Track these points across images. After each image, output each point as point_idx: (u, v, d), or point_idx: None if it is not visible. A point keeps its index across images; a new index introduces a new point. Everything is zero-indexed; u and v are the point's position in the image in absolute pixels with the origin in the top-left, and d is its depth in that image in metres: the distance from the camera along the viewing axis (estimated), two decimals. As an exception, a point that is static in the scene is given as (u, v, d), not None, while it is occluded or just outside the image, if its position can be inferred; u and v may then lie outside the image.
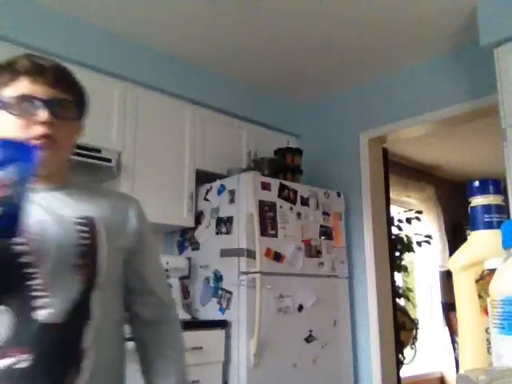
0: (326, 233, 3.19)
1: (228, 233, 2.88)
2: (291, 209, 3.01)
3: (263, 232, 2.82)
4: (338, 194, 3.35)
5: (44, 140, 0.92)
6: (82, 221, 0.97)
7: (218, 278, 2.88)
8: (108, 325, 0.99)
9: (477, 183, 0.67)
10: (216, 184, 3.05)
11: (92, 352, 0.92)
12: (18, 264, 0.88)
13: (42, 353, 0.86)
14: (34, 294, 0.88)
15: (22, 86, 0.93)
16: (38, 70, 0.95)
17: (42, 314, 0.87)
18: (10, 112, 0.93)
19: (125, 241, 1.07)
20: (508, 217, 0.66)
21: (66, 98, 0.97)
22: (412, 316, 4.50)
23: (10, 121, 0.93)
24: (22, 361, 0.83)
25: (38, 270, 0.89)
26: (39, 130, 0.92)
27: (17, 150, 0.75)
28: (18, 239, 0.86)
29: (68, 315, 0.90)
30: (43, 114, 0.92)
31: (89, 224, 0.98)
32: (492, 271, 0.57)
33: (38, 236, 0.91)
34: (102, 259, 0.97)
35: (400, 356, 3.60)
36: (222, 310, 2.81)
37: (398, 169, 4.63)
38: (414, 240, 4.64)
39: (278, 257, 2.86)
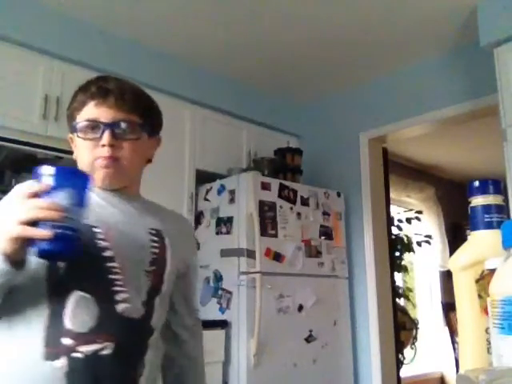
0: (326, 233, 3.19)
1: (228, 233, 2.88)
2: (291, 209, 3.01)
3: (263, 232, 2.81)
4: (338, 194, 3.35)
5: (107, 161, 0.99)
6: (153, 231, 1.05)
7: (218, 278, 2.88)
8: (158, 333, 1.05)
9: (477, 183, 0.67)
10: (216, 184, 3.05)
11: (151, 349, 0.99)
12: (102, 258, 0.94)
13: (121, 343, 0.92)
14: (116, 288, 0.94)
15: (89, 111, 1.01)
16: (102, 93, 1.01)
17: (122, 308, 0.93)
18: (78, 136, 1.01)
19: (181, 262, 1.11)
20: (508, 217, 0.66)
21: (129, 119, 1.02)
22: (412, 316, 4.49)
23: (82, 144, 1.01)
24: (106, 348, 0.90)
25: (118, 266, 0.95)
26: (101, 151, 0.99)
27: (68, 178, 0.81)
28: (101, 235, 0.94)
29: (141, 312, 0.97)
30: (105, 137, 0.99)
31: (159, 236, 1.05)
32: (492, 271, 0.57)
33: (117, 236, 0.97)
34: (167, 271, 1.04)
35: (400, 356, 3.59)
36: (222, 310, 2.81)
37: (398, 169, 4.62)
38: (414, 240, 4.63)
39: (277, 257, 2.86)
